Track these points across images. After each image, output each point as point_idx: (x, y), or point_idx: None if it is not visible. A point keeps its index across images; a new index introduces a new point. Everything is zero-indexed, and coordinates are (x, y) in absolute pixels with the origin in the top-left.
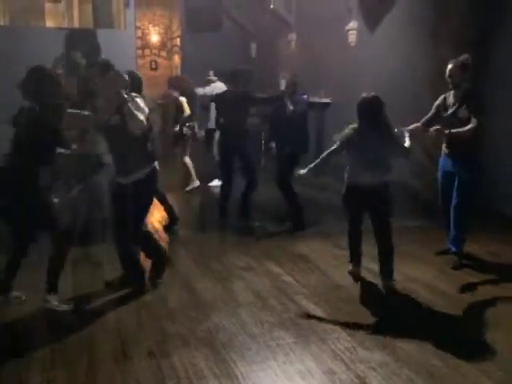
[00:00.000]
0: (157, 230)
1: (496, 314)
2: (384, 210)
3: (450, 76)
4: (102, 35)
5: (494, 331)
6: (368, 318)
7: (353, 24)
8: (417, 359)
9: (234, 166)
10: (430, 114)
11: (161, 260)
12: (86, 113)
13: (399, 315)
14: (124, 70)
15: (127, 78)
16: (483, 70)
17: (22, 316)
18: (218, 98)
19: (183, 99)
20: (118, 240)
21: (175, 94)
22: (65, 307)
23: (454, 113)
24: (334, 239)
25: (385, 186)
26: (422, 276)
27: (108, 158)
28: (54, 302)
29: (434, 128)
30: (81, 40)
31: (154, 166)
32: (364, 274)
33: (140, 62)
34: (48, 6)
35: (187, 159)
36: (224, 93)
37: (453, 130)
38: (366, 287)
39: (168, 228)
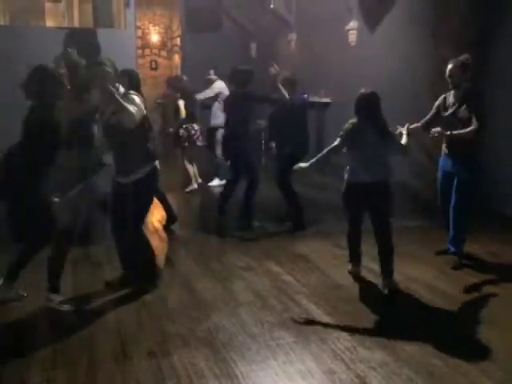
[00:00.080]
0: (156, 230)
1: (496, 314)
2: (384, 209)
3: (450, 76)
4: (102, 35)
5: (493, 331)
6: (368, 318)
7: (353, 24)
8: (417, 359)
9: (238, 166)
10: (430, 115)
11: (147, 270)
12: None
13: (399, 315)
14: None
15: (124, 76)
16: (483, 70)
17: (23, 316)
18: (225, 99)
19: (181, 101)
20: (118, 240)
21: (176, 94)
22: (65, 307)
23: (454, 113)
24: (334, 239)
25: (385, 185)
26: (422, 276)
27: (108, 158)
28: (56, 301)
29: (435, 130)
30: (81, 40)
31: (155, 166)
32: (364, 273)
33: (140, 61)
34: (48, 5)
35: (186, 163)
36: (229, 92)
37: (454, 132)
38: (366, 287)
39: (166, 227)
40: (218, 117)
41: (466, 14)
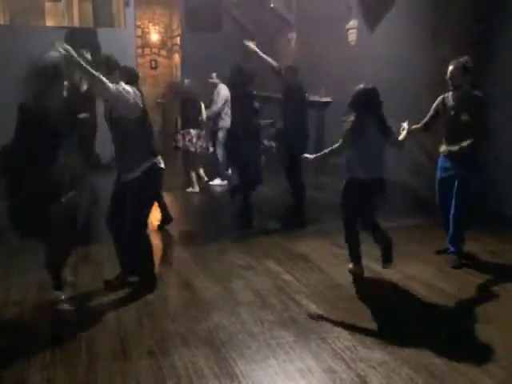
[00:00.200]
0: (156, 230)
1: (495, 313)
2: (376, 205)
3: (450, 78)
4: (102, 34)
5: (493, 330)
6: (368, 317)
7: (353, 23)
8: (417, 358)
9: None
10: (428, 116)
11: (147, 269)
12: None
13: (399, 314)
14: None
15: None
16: (483, 70)
17: (23, 315)
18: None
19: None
20: (116, 238)
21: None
22: (65, 306)
23: (456, 114)
24: (334, 238)
25: (381, 182)
26: (421, 274)
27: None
28: (61, 298)
29: (448, 149)
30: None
31: (154, 163)
32: (364, 272)
33: (140, 60)
34: (48, 5)
35: (191, 172)
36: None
37: (463, 145)
38: (366, 286)
39: (160, 227)
40: (224, 119)
41: (466, 14)
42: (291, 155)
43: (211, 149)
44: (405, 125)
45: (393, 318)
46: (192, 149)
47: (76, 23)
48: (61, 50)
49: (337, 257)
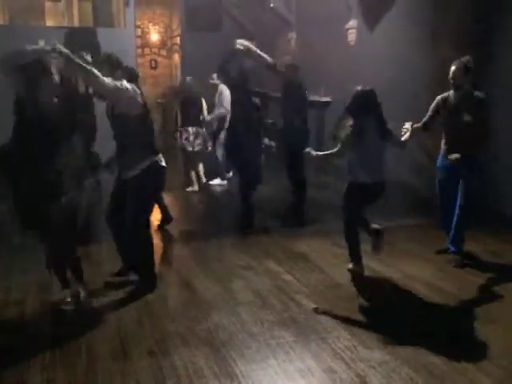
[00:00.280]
0: (156, 230)
1: (495, 313)
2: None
3: (452, 78)
4: (102, 34)
5: (493, 329)
6: (368, 317)
7: (352, 23)
8: (416, 358)
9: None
10: (428, 116)
11: (147, 269)
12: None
13: (399, 313)
14: None
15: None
16: (483, 70)
17: (23, 316)
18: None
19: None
20: (116, 235)
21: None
22: (65, 306)
23: (458, 114)
24: (334, 238)
25: (382, 186)
26: (421, 274)
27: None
28: (67, 297)
29: (455, 156)
30: (80, 39)
31: (155, 160)
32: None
33: (140, 60)
34: (48, 4)
35: (190, 171)
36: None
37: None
38: (366, 286)
39: (160, 227)
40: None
41: (466, 14)
42: (292, 152)
43: (210, 148)
44: (408, 125)
45: (393, 317)
46: (189, 148)
47: (76, 23)
48: (47, 46)
49: (337, 257)
